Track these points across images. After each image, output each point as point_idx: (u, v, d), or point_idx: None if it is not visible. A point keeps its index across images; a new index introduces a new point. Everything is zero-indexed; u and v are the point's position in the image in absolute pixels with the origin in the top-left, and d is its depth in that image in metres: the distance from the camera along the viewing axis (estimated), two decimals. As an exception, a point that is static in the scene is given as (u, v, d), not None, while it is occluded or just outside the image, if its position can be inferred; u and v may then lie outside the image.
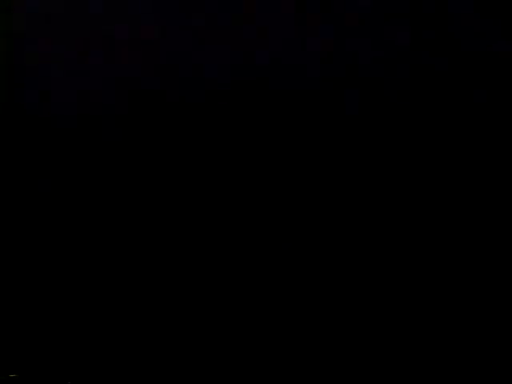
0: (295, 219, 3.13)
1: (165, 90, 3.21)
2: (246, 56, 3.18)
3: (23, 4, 3.25)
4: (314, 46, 3.16)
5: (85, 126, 3.22)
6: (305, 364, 3.09)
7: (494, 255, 3.06)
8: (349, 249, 3.11)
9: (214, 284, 3.14)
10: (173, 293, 3.15)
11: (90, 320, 3.16)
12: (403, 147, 3.13)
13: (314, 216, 3.13)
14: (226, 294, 3.13)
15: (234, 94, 3.18)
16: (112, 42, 3.23)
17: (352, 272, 3.10)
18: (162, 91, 3.21)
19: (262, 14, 3.17)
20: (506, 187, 3.08)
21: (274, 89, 3.17)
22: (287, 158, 3.14)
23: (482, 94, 3.10)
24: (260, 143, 3.16)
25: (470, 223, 3.08)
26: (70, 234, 3.19)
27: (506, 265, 3.05)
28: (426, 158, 3.12)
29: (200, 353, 3.13)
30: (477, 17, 3.10)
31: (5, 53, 3.24)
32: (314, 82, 3.15)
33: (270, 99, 3.17)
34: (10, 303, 3.18)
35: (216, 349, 3.12)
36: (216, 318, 3.13)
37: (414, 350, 3.06)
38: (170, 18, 3.22)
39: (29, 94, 3.24)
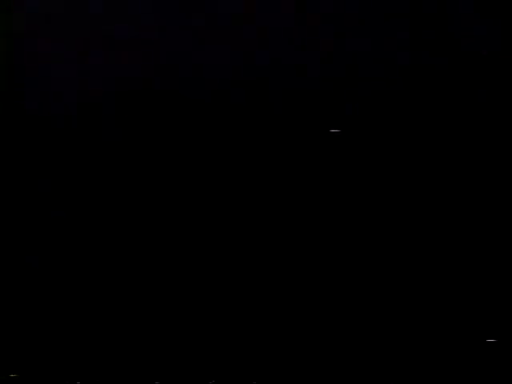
0: (294, 218, 3.13)
1: (164, 89, 3.20)
2: (246, 56, 3.18)
3: (23, 4, 3.25)
4: (313, 47, 3.16)
5: (84, 126, 3.22)
6: (304, 364, 3.09)
7: (487, 255, 3.06)
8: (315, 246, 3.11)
9: (211, 283, 3.14)
10: (172, 293, 3.15)
11: (90, 320, 3.16)
12: (404, 145, 3.13)
13: (316, 216, 3.13)
14: (225, 294, 3.13)
15: (234, 93, 3.18)
16: (112, 42, 3.23)
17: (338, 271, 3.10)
18: (161, 91, 3.21)
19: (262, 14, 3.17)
20: (506, 188, 3.08)
21: (274, 88, 3.17)
22: (287, 157, 3.14)
23: (482, 94, 3.10)
24: (260, 143, 3.16)
25: (458, 221, 3.08)
26: (69, 232, 3.19)
27: (502, 264, 3.05)
28: (426, 156, 3.12)
29: (199, 352, 3.13)
30: (477, 17, 3.10)
31: (5, 53, 3.24)
32: (313, 81, 3.15)
33: (270, 99, 3.17)
34: (10, 303, 3.18)
35: (215, 348, 3.12)
36: (215, 318, 3.13)
37: (412, 349, 3.06)
38: (170, 17, 3.22)
39: (29, 94, 3.24)
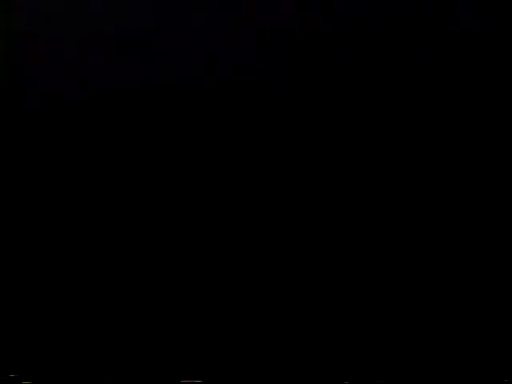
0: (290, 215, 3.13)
1: (165, 89, 3.21)
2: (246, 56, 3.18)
3: (23, 4, 3.25)
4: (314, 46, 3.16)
5: (84, 126, 3.22)
6: (304, 363, 3.09)
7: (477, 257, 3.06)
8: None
9: (209, 284, 3.14)
10: (171, 293, 3.15)
11: (90, 320, 3.16)
12: (404, 147, 3.13)
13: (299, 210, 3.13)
14: (224, 294, 3.13)
15: (234, 93, 3.18)
16: (112, 42, 3.23)
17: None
18: (161, 91, 3.21)
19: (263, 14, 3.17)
20: (506, 188, 3.08)
21: (274, 89, 3.17)
22: (288, 161, 3.14)
23: (482, 94, 3.10)
24: (260, 143, 3.16)
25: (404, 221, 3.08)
26: (69, 232, 3.19)
27: (499, 265, 3.05)
28: (427, 157, 3.12)
29: (199, 352, 3.13)
30: (477, 17, 3.10)
31: (5, 53, 3.24)
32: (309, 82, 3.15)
33: (270, 99, 3.17)
34: (10, 303, 3.18)
35: (215, 348, 3.12)
36: (215, 318, 3.13)
37: (412, 349, 3.06)
38: (170, 17, 3.22)
39: (29, 94, 3.24)
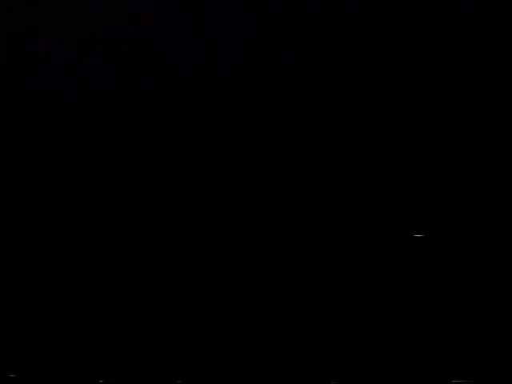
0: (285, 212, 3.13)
1: (164, 89, 3.21)
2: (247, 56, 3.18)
3: (23, 4, 3.25)
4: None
5: (84, 126, 3.22)
6: (303, 363, 3.09)
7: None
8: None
9: (205, 284, 3.14)
10: (171, 292, 3.15)
11: (90, 320, 3.16)
12: (405, 147, 3.13)
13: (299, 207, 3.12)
14: (223, 294, 3.13)
15: (235, 93, 3.18)
16: (112, 42, 3.23)
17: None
18: (161, 91, 3.21)
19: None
20: (506, 188, 3.08)
21: (273, 88, 3.17)
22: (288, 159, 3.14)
23: (482, 94, 3.10)
24: (259, 143, 3.16)
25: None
26: (68, 231, 3.19)
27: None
28: (427, 158, 3.12)
29: (199, 352, 3.13)
30: (477, 17, 3.10)
31: (5, 53, 3.24)
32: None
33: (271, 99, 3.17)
34: (10, 303, 3.18)
35: (214, 348, 3.12)
36: (215, 318, 3.13)
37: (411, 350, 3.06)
38: (170, 17, 3.22)
39: (29, 94, 3.24)
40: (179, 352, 3.13)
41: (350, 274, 3.10)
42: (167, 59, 3.21)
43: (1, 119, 3.24)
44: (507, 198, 3.07)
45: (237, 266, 3.14)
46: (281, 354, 3.10)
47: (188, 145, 3.19)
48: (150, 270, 3.16)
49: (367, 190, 3.12)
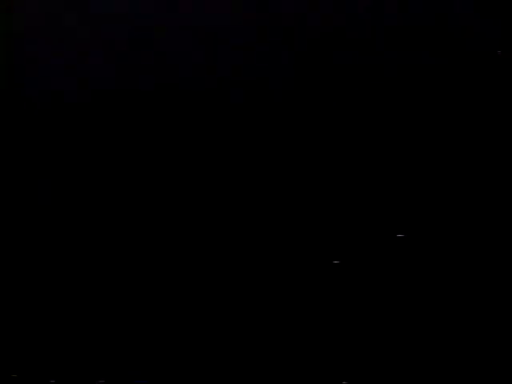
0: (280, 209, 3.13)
1: (164, 89, 3.21)
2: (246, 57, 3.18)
3: (23, 4, 3.25)
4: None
5: (85, 125, 3.22)
6: (303, 363, 3.09)
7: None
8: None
9: (205, 285, 3.14)
10: (170, 292, 3.15)
11: (90, 320, 3.17)
12: (405, 147, 3.13)
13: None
14: (223, 295, 3.13)
15: (234, 93, 3.18)
16: (112, 42, 3.23)
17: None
18: (161, 91, 3.21)
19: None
20: (506, 188, 3.08)
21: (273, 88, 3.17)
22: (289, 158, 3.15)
23: (482, 93, 3.11)
24: (260, 143, 3.16)
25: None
26: (68, 230, 3.19)
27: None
28: (428, 158, 3.12)
29: (199, 352, 3.13)
30: (477, 17, 3.10)
31: (5, 53, 3.24)
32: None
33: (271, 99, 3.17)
34: (10, 303, 3.18)
35: (215, 348, 3.12)
36: (215, 318, 3.13)
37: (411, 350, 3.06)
38: (170, 17, 3.22)
39: (29, 94, 3.24)
40: (179, 352, 3.14)
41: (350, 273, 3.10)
42: (167, 59, 3.21)
43: (1, 119, 3.24)
44: (502, 199, 3.07)
45: (237, 266, 3.14)
46: (291, 354, 3.10)
47: (188, 145, 3.19)
48: (154, 271, 3.16)
49: (367, 190, 3.12)
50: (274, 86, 3.17)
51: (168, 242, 3.19)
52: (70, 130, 3.22)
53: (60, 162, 3.22)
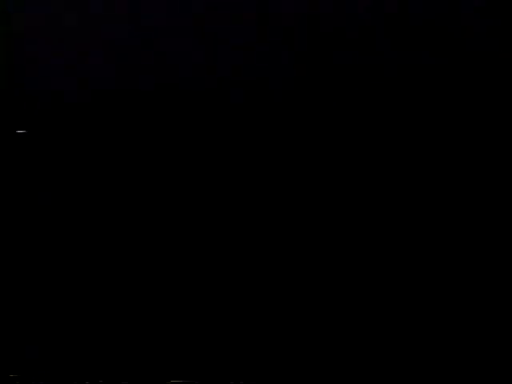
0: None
1: (165, 89, 3.20)
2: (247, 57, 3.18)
3: (23, 4, 3.25)
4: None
5: (84, 126, 3.22)
6: (304, 363, 3.09)
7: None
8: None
9: (209, 286, 3.14)
10: (171, 292, 3.15)
11: (91, 320, 3.16)
12: (406, 148, 3.13)
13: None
14: (224, 295, 3.13)
15: (234, 93, 3.18)
16: (112, 42, 3.23)
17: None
18: (162, 91, 3.21)
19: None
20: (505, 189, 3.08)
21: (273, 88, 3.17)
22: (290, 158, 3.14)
23: (482, 93, 3.11)
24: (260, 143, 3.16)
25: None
26: (68, 229, 3.19)
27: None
28: (429, 159, 3.12)
29: (199, 352, 3.13)
30: (477, 17, 3.10)
31: (5, 53, 3.24)
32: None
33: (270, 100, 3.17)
34: (10, 303, 3.18)
35: (215, 348, 3.12)
36: (215, 318, 3.13)
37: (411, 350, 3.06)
38: (170, 17, 3.22)
39: (29, 94, 3.24)
40: (179, 352, 3.13)
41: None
42: (167, 59, 3.21)
43: (0, 119, 3.24)
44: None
45: (236, 266, 3.14)
46: (280, 354, 3.10)
47: (188, 144, 3.19)
48: (155, 274, 3.16)
49: (366, 190, 3.12)
50: (274, 85, 3.17)
51: (168, 242, 3.18)
52: (70, 130, 3.22)
53: (60, 161, 3.22)
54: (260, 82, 3.16)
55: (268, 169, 3.15)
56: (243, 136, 3.16)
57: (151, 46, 3.22)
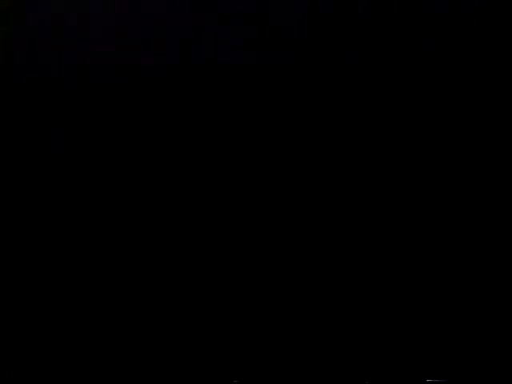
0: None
1: (164, 89, 3.21)
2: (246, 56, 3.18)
3: (23, 4, 3.25)
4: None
5: (85, 126, 3.22)
6: (304, 363, 3.09)
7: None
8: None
9: (210, 285, 3.14)
10: (172, 293, 3.15)
11: (91, 320, 3.16)
12: (406, 148, 3.13)
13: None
14: (225, 294, 3.13)
15: (235, 93, 3.18)
16: (112, 41, 3.23)
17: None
18: (161, 90, 3.21)
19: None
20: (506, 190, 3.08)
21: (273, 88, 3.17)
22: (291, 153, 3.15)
23: (482, 93, 3.11)
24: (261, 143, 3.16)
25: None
26: (68, 229, 3.19)
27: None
28: (429, 160, 3.12)
29: (199, 352, 3.13)
30: (477, 17, 3.10)
31: (5, 53, 3.24)
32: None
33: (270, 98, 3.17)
34: (10, 303, 3.18)
35: (215, 348, 3.12)
36: (215, 318, 3.13)
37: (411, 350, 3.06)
38: (170, 17, 3.22)
39: (29, 94, 3.24)
40: (180, 353, 3.13)
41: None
42: (167, 59, 3.21)
43: (0, 119, 3.24)
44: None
45: (236, 266, 3.14)
46: (282, 354, 3.10)
47: (188, 144, 3.19)
48: (155, 274, 3.16)
49: (366, 189, 3.12)
50: (274, 85, 3.17)
51: (168, 239, 3.19)
52: (70, 129, 3.22)
53: (60, 161, 3.22)
54: (260, 81, 3.17)
55: (268, 169, 3.15)
56: (243, 136, 3.16)
57: (151, 45, 3.22)
